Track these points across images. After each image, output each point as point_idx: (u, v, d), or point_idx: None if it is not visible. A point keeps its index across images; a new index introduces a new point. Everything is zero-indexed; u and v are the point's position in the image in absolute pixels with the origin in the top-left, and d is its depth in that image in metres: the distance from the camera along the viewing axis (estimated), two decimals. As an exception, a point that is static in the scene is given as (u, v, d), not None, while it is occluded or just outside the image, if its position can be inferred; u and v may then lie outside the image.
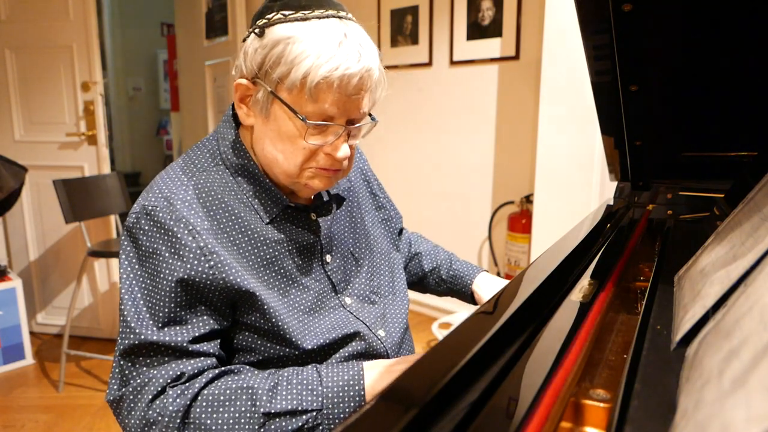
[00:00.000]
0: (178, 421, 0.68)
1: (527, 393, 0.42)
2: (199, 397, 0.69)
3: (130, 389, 0.70)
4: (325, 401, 0.69)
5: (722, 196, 0.87)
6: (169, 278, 0.71)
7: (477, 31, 2.60)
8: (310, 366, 0.74)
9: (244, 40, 0.75)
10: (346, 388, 0.70)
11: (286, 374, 0.72)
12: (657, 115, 1.02)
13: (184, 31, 3.78)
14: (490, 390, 0.42)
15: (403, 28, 2.85)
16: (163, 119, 6.04)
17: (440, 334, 2.63)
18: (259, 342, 0.77)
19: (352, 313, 0.85)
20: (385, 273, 0.95)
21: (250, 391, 0.69)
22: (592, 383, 0.48)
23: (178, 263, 0.70)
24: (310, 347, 0.78)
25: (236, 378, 0.72)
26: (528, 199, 2.49)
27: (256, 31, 0.71)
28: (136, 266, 0.73)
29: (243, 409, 0.68)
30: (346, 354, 0.81)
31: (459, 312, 2.79)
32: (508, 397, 0.42)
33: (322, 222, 0.85)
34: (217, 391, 0.69)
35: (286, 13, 0.70)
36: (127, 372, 0.71)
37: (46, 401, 2.24)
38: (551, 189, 2.23)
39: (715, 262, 0.54)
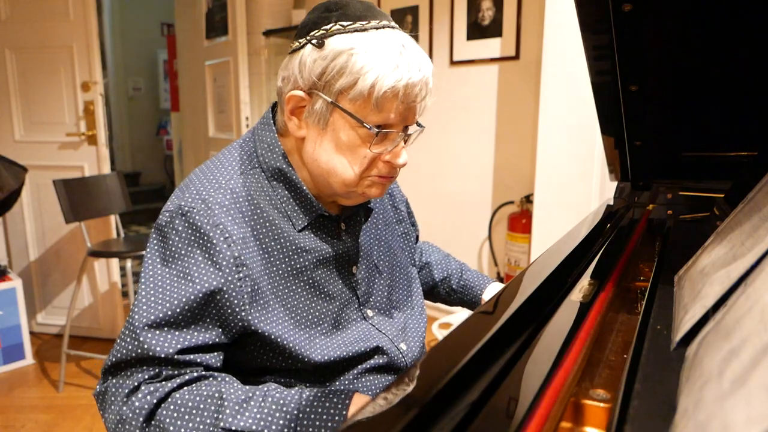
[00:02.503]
0: (141, 419, 0.66)
1: (527, 393, 0.42)
2: (169, 399, 0.67)
3: (113, 383, 0.70)
4: (298, 427, 0.66)
5: (722, 196, 0.87)
6: (198, 285, 0.69)
7: (477, 31, 2.60)
8: (297, 387, 0.71)
9: (295, 51, 0.73)
10: (324, 416, 0.66)
11: (265, 389, 0.69)
12: (657, 115, 1.02)
13: (184, 31, 3.78)
14: (490, 390, 0.42)
15: (402, 28, 2.85)
16: (163, 119, 6.04)
17: (440, 334, 2.63)
18: (273, 359, 0.75)
19: (374, 326, 0.85)
20: (403, 287, 0.95)
21: (219, 401, 0.67)
22: (592, 383, 0.48)
23: (212, 270, 0.69)
24: (328, 359, 0.77)
25: (211, 383, 0.70)
26: (528, 199, 2.49)
27: (314, 42, 0.70)
28: (159, 266, 0.71)
29: (207, 420, 0.66)
30: (367, 367, 0.81)
31: (459, 312, 2.79)
32: (508, 397, 0.42)
33: (351, 232, 0.85)
34: (187, 396, 0.67)
35: (345, 24, 0.70)
36: (113, 367, 0.70)
37: (46, 401, 2.24)
38: (551, 189, 2.23)
39: (715, 262, 0.54)
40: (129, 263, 2.92)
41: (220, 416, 0.65)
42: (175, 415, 0.66)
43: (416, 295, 0.98)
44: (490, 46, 2.57)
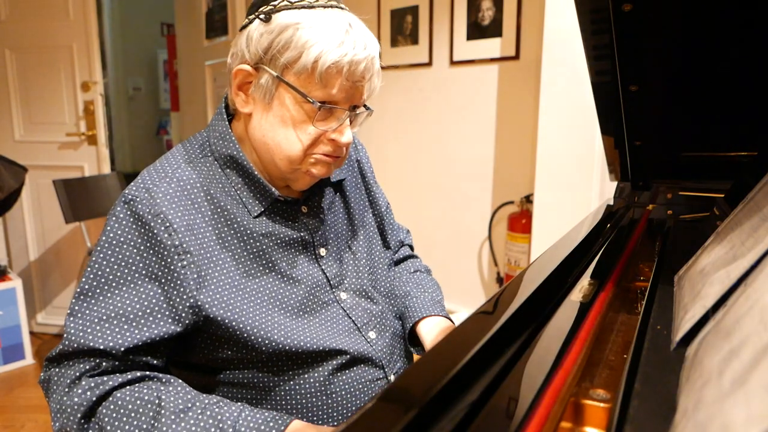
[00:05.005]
0: (79, 415, 0.65)
1: (527, 393, 0.42)
2: (110, 398, 0.66)
3: (55, 371, 0.69)
4: None
5: (722, 196, 0.87)
6: (140, 270, 0.69)
7: (477, 31, 2.60)
8: (239, 404, 0.69)
9: (244, 28, 0.74)
10: None
11: (206, 401, 0.67)
12: (657, 115, 1.02)
13: (184, 31, 3.77)
14: (490, 390, 0.42)
15: (403, 28, 2.85)
16: (163, 119, 6.03)
17: (440, 334, 2.62)
18: (228, 350, 0.73)
19: (344, 310, 0.83)
20: (383, 269, 0.93)
21: (157, 408, 0.65)
22: (592, 383, 0.48)
23: (153, 258, 0.69)
24: (290, 342, 0.74)
25: (153, 387, 0.68)
26: (528, 199, 2.49)
27: (261, 16, 0.71)
28: (100, 255, 0.70)
29: (144, 426, 0.64)
30: (336, 365, 0.77)
31: (459, 312, 2.79)
32: (508, 397, 0.42)
33: (314, 215, 0.84)
34: (128, 397, 0.66)
35: (292, 0, 0.71)
36: (58, 356, 0.69)
37: (45, 401, 2.24)
38: (551, 189, 2.23)
39: (715, 262, 0.54)
40: (129, 263, 2.91)
41: (156, 423, 0.64)
42: (114, 415, 0.65)
43: (391, 282, 0.96)
44: (490, 46, 2.57)
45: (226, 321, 0.71)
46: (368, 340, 0.83)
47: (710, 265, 0.55)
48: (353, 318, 0.83)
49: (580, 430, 0.44)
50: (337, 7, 0.73)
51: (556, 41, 2.12)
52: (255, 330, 0.73)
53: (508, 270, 2.59)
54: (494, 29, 2.54)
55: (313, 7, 0.71)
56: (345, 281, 0.86)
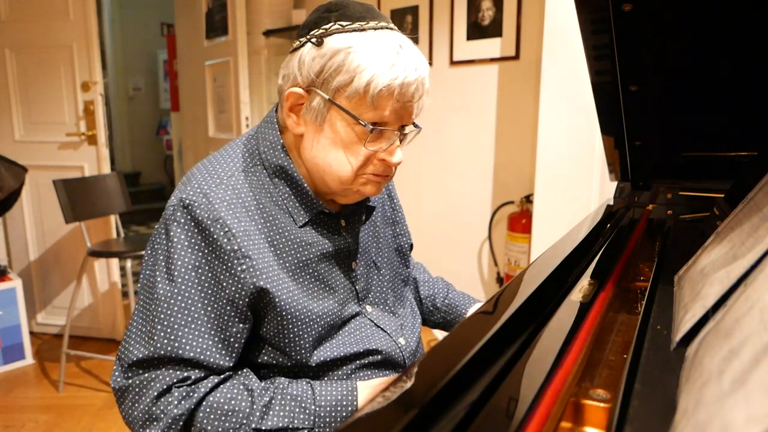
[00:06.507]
0: (181, 424, 0.68)
1: (527, 393, 0.42)
2: (204, 403, 0.70)
3: (137, 381, 0.71)
4: (317, 420, 0.70)
5: (722, 196, 0.87)
6: (207, 273, 0.71)
7: (477, 31, 2.60)
8: (303, 381, 0.73)
9: (295, 50, 0.75)
10: (338, 408, 0.70)
11: (280, 387, 0.73)
12: (657, 115, 1.02)
13: (184, 31, 3.77)
14: (490, 390, 0.42)
15: (403, 28, 2.85)
16: (163, 119, 6.04)
17: (440, 334, 2.63)
18: (269, 354, 0.77)
19: (372, 321, 0.86)
20: (400, 287, 0.97)
21: (250, 402, 0.71)
22: (592, 383, 0.48)
23: (216, 261, 0.71)
24: (326, 355, 0.78)
25: (236, 384, 0.73)
26: (528, 199, 2.49)
27: (313, 40, 0.72)
28: (161, 260, 0.72)
29: (244, 421, 0.69)
30: (365, 363, 0.82)
31: (459, 312, 2.79)
32: (508, 397, 0.42)
33: (351, 229, 0.86)
34: (221, 399, 0.70)
35: (344, 24, 0.72)
36: (144, 362, 0.71)
37: (46, 401, 2.24)
38: (551, 189, 2.23)
39: (715, 262, 0.54)
40: (129, 263, 2.93)
41: (252, 417, 0.69)
42: (213, 416, 0.69)
43: (409, 296, 1.00)
44: (490, 46, 2.57)
45: (277, 321, 0.75)
46: (399, 345, 0.86)
47: (710, 265, 0.55)
48: (382, 327, 0.86)
49: (580, 430, 0.44)
50: (387, 28, 0.74)
51: (556, 41, 2.12)
52: (296, 341, 0.76)
53: (508, 270, 2.59)
54: (494, 29, 2.54)
55: (364, 30, 0.71)
56: (370, 295, 0.89)
